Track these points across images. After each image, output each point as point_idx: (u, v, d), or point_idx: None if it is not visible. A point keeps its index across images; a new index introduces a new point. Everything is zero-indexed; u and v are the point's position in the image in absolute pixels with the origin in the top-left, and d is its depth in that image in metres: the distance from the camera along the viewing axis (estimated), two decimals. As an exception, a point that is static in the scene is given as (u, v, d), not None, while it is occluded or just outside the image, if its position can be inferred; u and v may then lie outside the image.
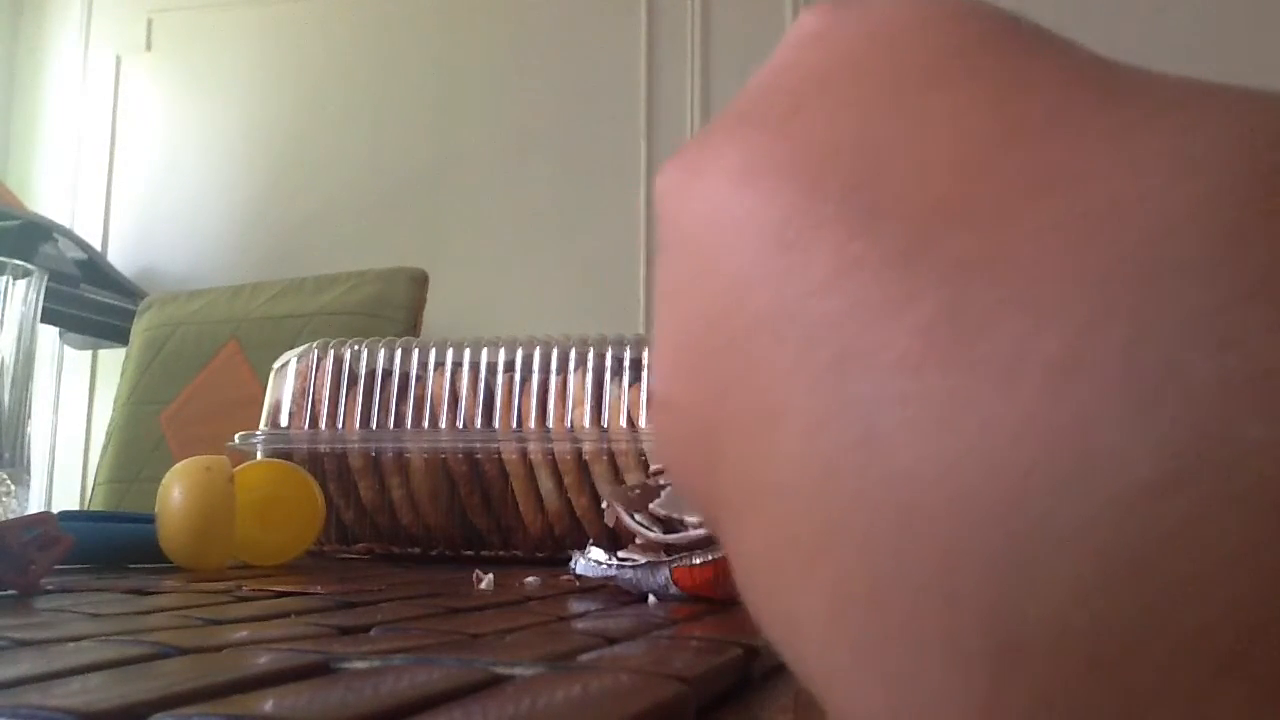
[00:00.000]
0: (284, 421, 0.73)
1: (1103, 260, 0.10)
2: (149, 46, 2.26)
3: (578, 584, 0.47)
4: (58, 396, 2.21)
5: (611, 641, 0.27)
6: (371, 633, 0.29)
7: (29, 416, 0.60)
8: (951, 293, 0.10)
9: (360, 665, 0.23)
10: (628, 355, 0.69)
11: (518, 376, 0.70)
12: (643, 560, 0.41)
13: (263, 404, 0.76)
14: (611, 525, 0.45)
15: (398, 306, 1.43)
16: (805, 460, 0.11)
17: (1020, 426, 0.09)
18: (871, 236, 0.11)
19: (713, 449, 0.13)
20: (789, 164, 0.13)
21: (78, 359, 2.20)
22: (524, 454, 0.68)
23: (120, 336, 1.77)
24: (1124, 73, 0.12)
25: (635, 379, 0.68)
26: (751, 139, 0.14)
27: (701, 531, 0.41)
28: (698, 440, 0.14)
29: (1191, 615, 0.08)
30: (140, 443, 1.47)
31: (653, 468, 0.62)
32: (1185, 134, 0.10)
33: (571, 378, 0.69)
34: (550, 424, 0.68)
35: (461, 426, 0.70)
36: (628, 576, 0.42)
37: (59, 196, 2.24)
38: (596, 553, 0.44)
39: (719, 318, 0.13)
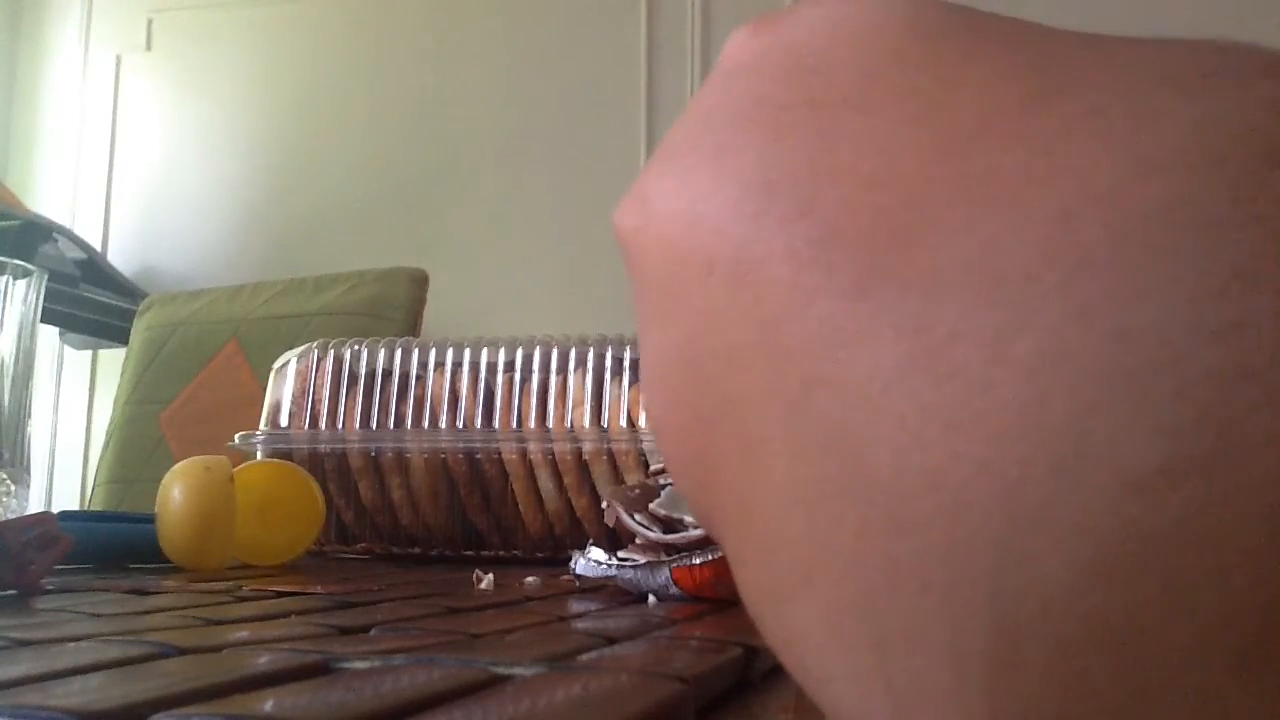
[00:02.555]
0: (284, 421, 0.73)
1: (1067, 260, 0.10)
2: (149, 46, 2.26)
3: (578, 584, 0.47)
4: (58, 396, 2.21)
5: (611, 641, 0.27)
6: (371, 633, 0.29)
7: (29, 416, 0.60)
8: (911, 311, 0.11)
9: (360, 665, 0.23)
10: (628, 355, 0.69)
11: (518, 376, 0.70)
12: (643, 560, 0.41)
13: (263, 404, 0.76)
14: (611, 525, 0.45)
15: (398, 306, 1.42)
16: (790, 485, 0.12)
17: (1008, 424, 0.09)
18: (820, 266, 0.12)
19: (707, 473, 0.14)
20: (731, 202, 0.13)
21: (78, 359, 2.20)
22: (524, 454, 0.68)
23: (120, 336, 1.77)
24: (1058, 60, 0.12)
25: (635, 379, 0.68)
26: (691, 178, 0.14)
27: (701, 531, 0.41)
28: (693, 464, 0.14)
29: (1203, 610, 0.08)
30: (140, 443, 1.47)
31: (653, 467, 0.62)
32: (1133, 136, 0.10)
33: (571, 378, 0.69)
34: (550, 424, 0.68)
35: (461, 426, 0.70)
36: (628, 576, 0.42)
37: (59, 196, 2.24)
38: (596, 553, 0.44)
39: (692, 354, 0.13)
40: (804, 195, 0.12)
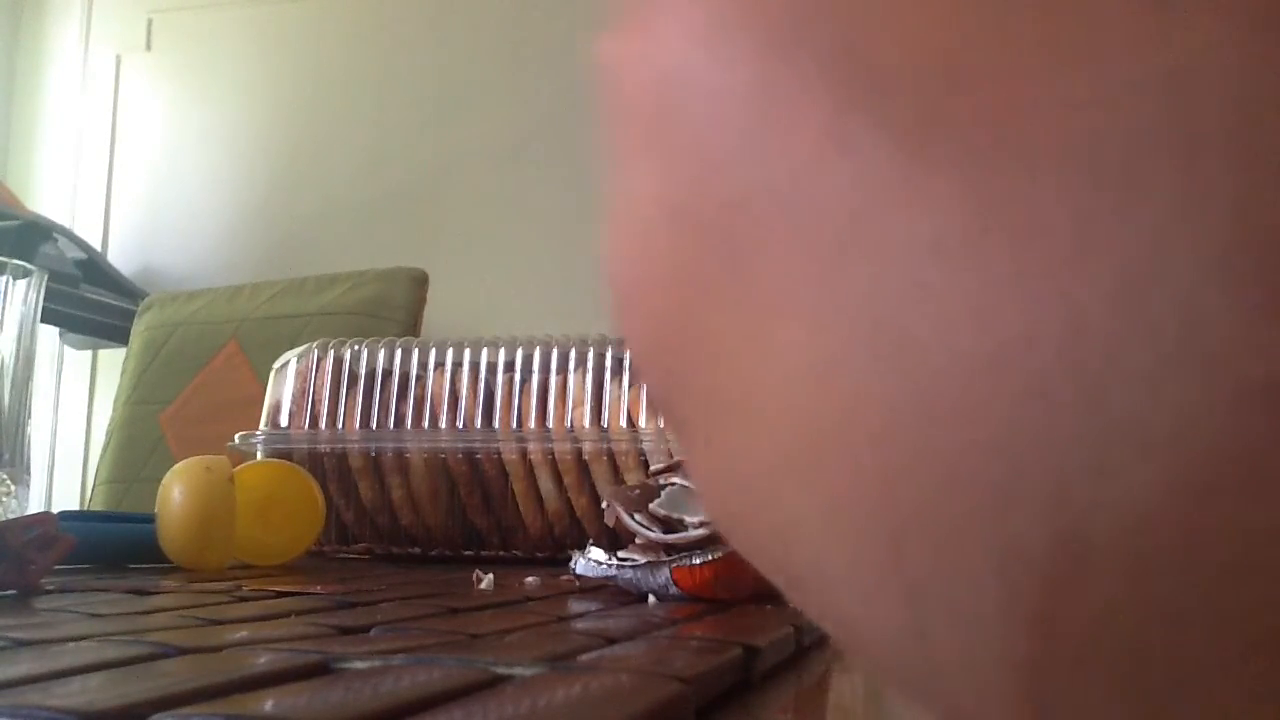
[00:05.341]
0: (284, 421, 0.73)
1: (1183, 131, 0.08)
2: (149, 46, 2.26)
3: (578, 584, 0.47)
4: (58, 396, 2.21)
5: (611, 641, 0.27)
6: (371, 633, 0.29)
7: (29, 416, 0.60)
8: (980, 168, 0.09)
9: (360, 665, 0.23)
10: (628, 355, 0.69)
11: (518, 376, 0.70)
12: (643, 560, 0.41)
13: (263, 404, 0.76)
14: (611, 525, 0.45)
15: (398, 306, 1.42)
16: (808, 356, 0.10)
17: (1103, 311, 0.08)
18: (868, 107, 0.10)
19: (685, 348, 0.12)
20: (761, 21, 0.11)
21: (78, 359, 2.20)
22: (524, 454, 0.68)
23: (120, 336, 1.77)
24: None
25: (636, 379, 0.68)
26: None
27: (702, 531, 0.41)
28: (666, 340, 0.12)
29: None
30: (140, 443, 1.47)
31: (653, 467, 0.61)
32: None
33: (571, 378, 0.69)
34: (550, 424, 0.68)
35: (461, 426, 0.70)
36: (628, 576, 0.42)
37: (59, 196, 2.24)
38: (596, 553, 0.44)
39: (690, 201, 0.11)
40: (852, 24, 0.10)
